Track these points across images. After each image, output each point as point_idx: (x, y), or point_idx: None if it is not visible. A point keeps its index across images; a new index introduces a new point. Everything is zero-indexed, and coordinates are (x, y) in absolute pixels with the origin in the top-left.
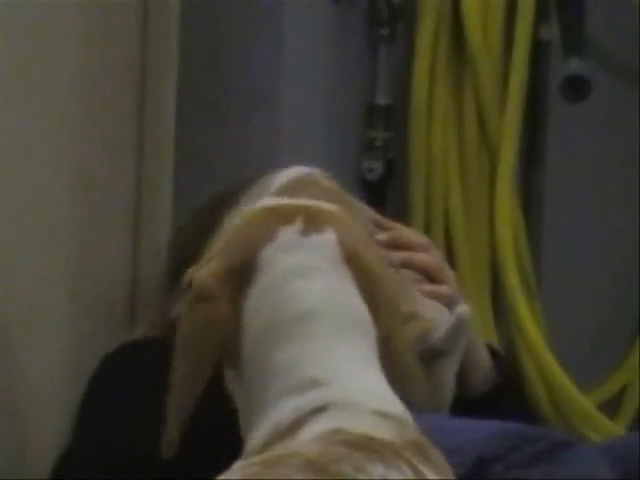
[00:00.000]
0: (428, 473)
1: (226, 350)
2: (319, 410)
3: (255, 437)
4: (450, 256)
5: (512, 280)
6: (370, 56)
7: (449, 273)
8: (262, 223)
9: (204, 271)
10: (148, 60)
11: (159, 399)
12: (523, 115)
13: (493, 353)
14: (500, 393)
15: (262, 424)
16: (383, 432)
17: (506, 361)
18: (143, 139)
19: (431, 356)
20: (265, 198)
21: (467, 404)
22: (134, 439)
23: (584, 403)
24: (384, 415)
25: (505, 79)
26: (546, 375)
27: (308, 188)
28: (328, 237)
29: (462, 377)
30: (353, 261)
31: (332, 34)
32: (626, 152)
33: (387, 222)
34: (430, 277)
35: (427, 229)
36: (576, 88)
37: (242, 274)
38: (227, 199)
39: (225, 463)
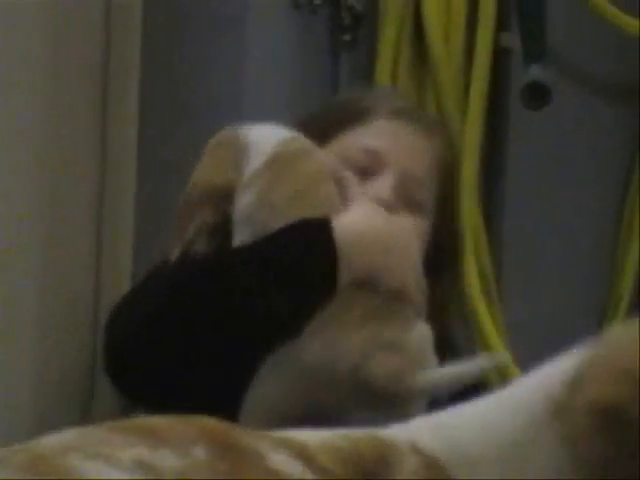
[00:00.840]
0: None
1: None
2: None
3: None
4: None
5: (473, 286)
6: (332, 63)
7: None
8: None
9: None
10: (111, 64)
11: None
12: (484, 122)
13: None
14: None
15: None
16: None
17: None
18: (106, 144)
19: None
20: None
21: None
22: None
23: None
24: None
25: (466, 86)
26: (506, 380)
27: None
28: None
29: None
30: None
31: (294, 40)
32: (587, 159)
33: None
34: None
35: None
36: (537, 95)
37: None
38: None
39: None
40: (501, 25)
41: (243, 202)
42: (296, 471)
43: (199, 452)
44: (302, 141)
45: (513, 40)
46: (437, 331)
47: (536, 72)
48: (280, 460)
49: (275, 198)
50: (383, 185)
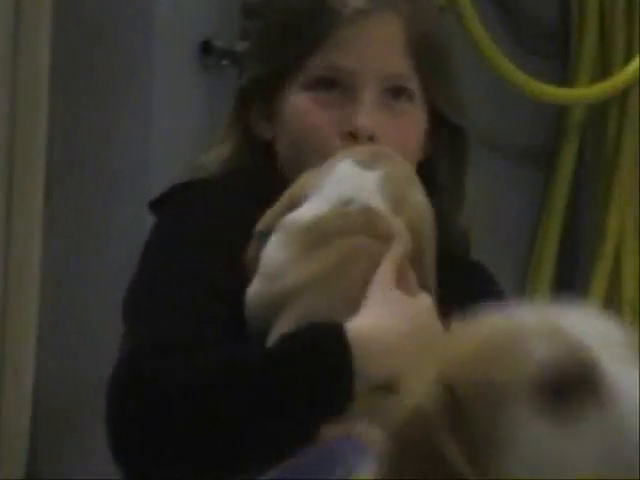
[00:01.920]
0: None
1: None
2: None
3: None
4: None
5: None
6: None
7: None
8: None
9: None
10: (17, 140)
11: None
12: None
13: None
14: None
15: None
16: None
17: None
18: (12, 207)
19: None
20: None
21: None
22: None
23: None
24: None
25: None
26: None
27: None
28: None
29: None
30: None
31: (202, 101)
32: (493, 220)
33: None
34: None
35: None
36: None
37: None
38: None
39: None
40: None
41: (269, 254)
42: None
43: None
44: (352, 214)
45: None
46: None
47: None
48: None
49: (299, 276)
50: (362, 113)
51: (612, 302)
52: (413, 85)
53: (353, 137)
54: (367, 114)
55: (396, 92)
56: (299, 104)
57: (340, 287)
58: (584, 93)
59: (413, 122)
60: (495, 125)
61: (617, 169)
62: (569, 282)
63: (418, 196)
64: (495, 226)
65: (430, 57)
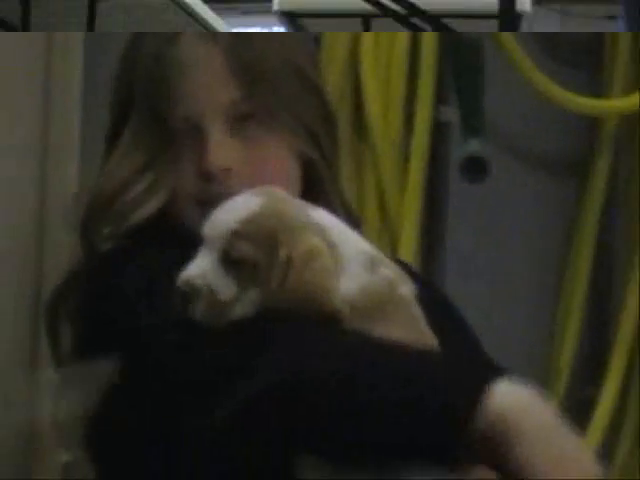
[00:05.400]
0: None
1: None
2: None
3: None
4: None
5: None
6: None
7: None
8: None
9: None
10: None
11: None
12: (424, 196)
13: None
14: None
15: None
16: None
17: None
18: None
19: None
20: None
21: None
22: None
23: None
24: None
25: (406, 160)
26: None
27: None
28: None
29: None
30: None
31: None
32: (524, 231)
33: None
34: None
35: None
36: (475, 169)
37: None
38: None
39: None
40: (440, 99)
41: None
42: None
43: None
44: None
45: (452, 114)
46: None
47: (474, 146)
48: None
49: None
50: (210, 150)
51: None
52: (255, 109)
53: (208, 177)
54: (216, 150)
55: (242, 119)
56: None
57: None
58: (618, 104)
59: (270, 149)
60: (525, 136)
61: None
62: (603, 290)
63: None
64: (523, 238)
65: (262, 84)
